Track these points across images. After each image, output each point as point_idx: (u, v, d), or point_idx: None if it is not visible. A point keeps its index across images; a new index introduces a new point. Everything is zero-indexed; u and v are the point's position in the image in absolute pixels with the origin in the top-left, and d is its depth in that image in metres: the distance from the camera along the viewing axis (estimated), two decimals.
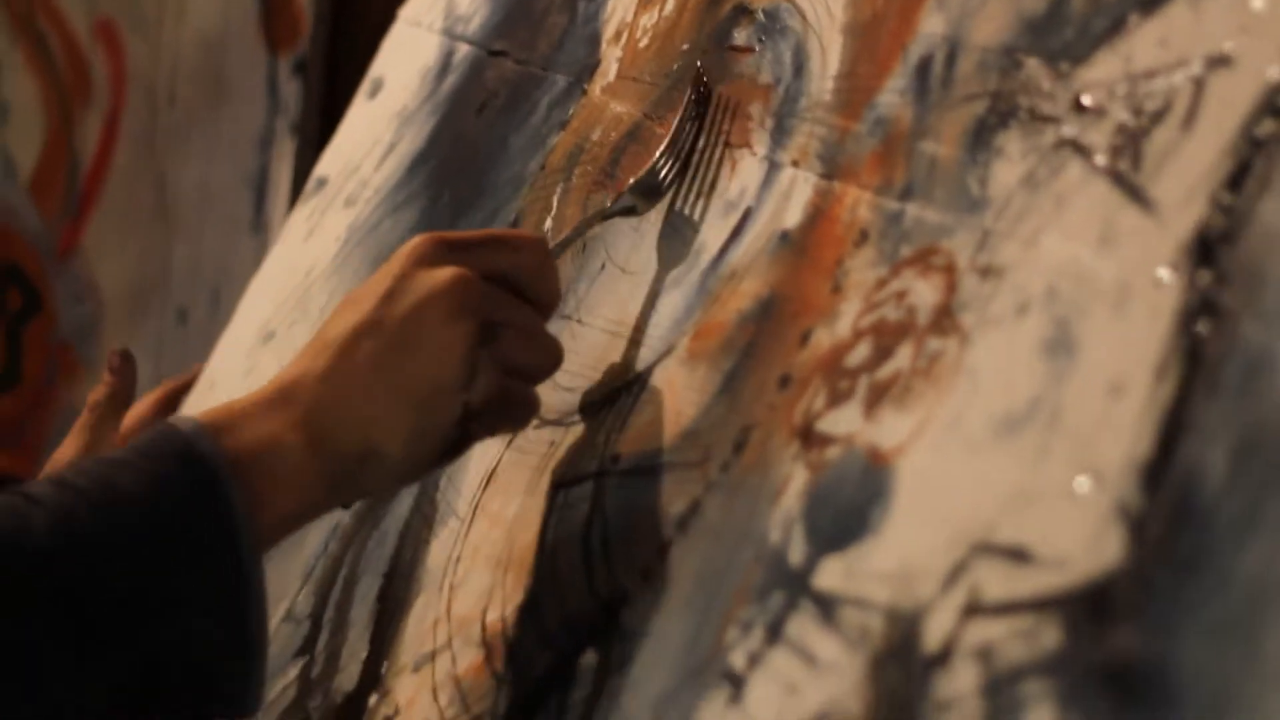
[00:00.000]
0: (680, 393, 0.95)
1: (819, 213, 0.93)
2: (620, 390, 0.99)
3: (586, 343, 1.04)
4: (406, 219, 1.30)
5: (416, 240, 0.93)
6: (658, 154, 1.05)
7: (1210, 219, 0.73)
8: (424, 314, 0.90)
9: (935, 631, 0.73)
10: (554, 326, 0.98)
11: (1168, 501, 0.68)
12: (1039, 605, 0.70)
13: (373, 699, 1.04)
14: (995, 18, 0.88)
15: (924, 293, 0.83)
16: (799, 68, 0.99)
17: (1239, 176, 0.73)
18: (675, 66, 1.09)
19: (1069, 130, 0.81)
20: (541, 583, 0.96)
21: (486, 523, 1.03)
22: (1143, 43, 0.80)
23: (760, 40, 1.03)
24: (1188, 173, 0.75)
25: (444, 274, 0.91)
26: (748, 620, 0.82)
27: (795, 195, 0.95)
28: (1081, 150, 0.80)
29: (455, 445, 0.93)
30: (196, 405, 1.37)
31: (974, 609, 0.72)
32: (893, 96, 0.92)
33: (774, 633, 0.80)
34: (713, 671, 0.82)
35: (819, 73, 0.98)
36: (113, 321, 2.32)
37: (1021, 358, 0.77)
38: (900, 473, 0.79)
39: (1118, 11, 0.82)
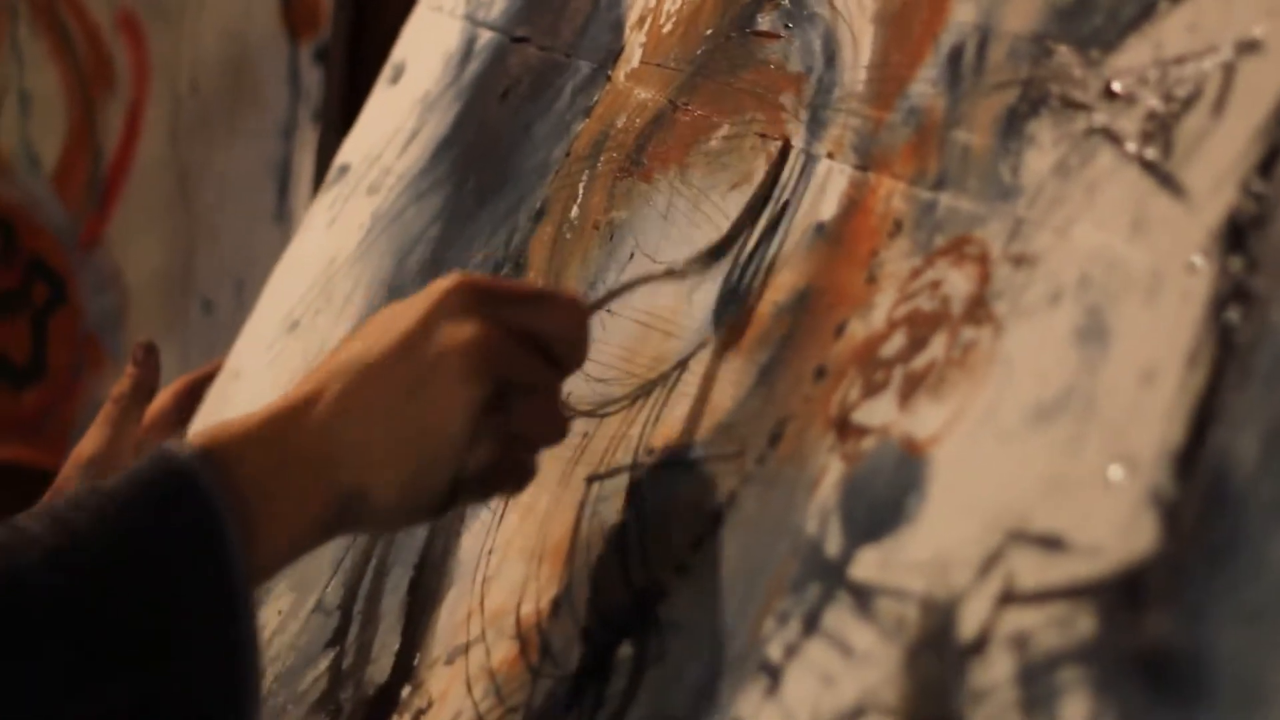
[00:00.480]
0: (716, 385, 0.95)
1: (854, 204, 0.93)
2: (655, 382, 0.99)
3: (618, 333, 1.04)
4: (430, 206, 1.30)
5: (451, 282, 0.91)
6: (726, 231, 1.02)
7: (1241, 205, 0.73)
8: (441, 366, 0.89)
9: (971, 620, 0.73)
10: None
11: (1200, 489, 0.68)
12: (1074, 593, 0.70)
13: (405, 691, 1.04)
14: (1026, 5, 0.88)
15: (958, 282, 0.83)
16: (830, 57, 0.99)
17: (1269, 162, 0.73)
18: (700, 51, 1.09)
19: (1100, 117, 0.81)
20: (576, 575, 0.97)
21: (519, 515, 1.03)
22: (1172, 28, 0.80)
23: (787, 26, 1.03)
24: (1218, 159, 0.75)
25: (470, 330, 0.89)
26: (784, 611, 0.82)
27: (830, 187, 0.95)
28: (1113, 137, 0.80)
29: (448, 503, 0.92)
30: (221, 395, 1.37)
31: (1009, 597, 0.73)
32: (925, 86, 0.91)
33: (810, 624, 0.81)
34: (750, 663, 0.82)
35: (851, 62, 0.98)
36: (137, 312, 2.33)
37: (1054, 346, 0.77)
38: (935, 462, 0.79)
39: None
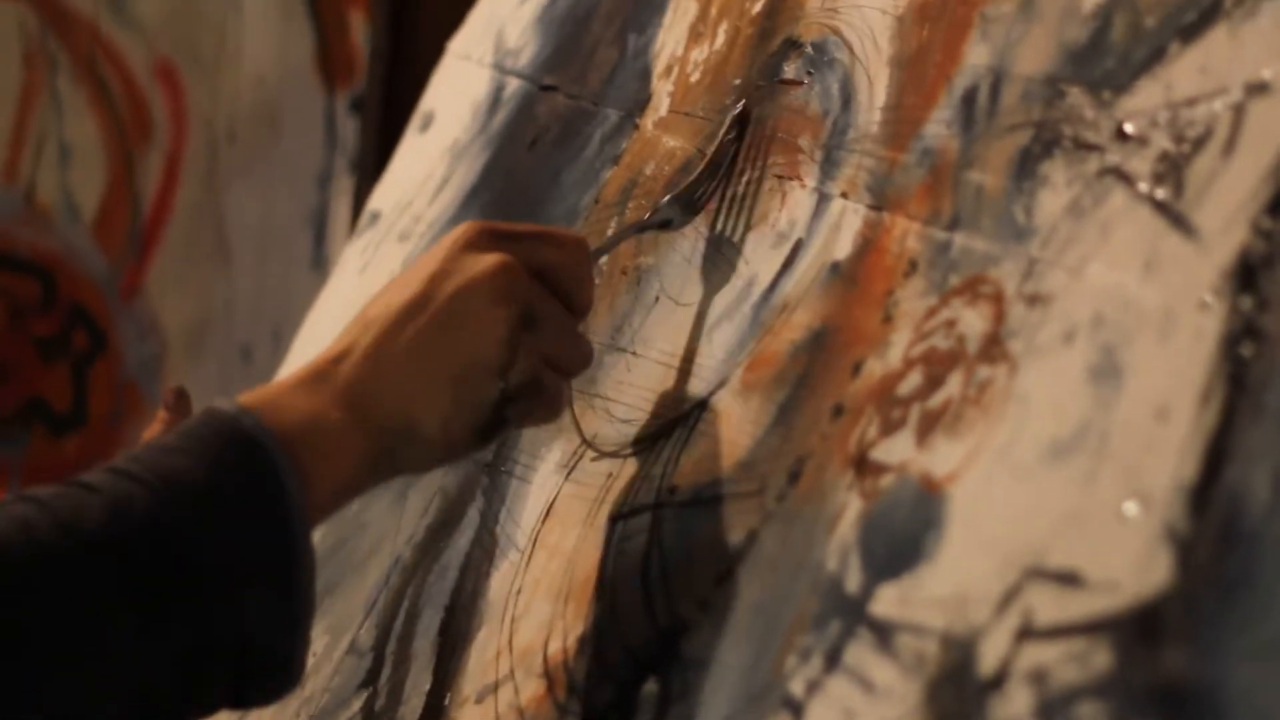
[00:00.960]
0: (735, 424, 0.96)
1: (868, 244, 0.94)
2: (676, 422, 1.00)
3: (642, 374, 1.05)
4: None
5: (464, 226, 0.95)
6: (698, 170, 1.06)
7: (1251, 244, 0.74)
8: (469, 295, 0.92)
9: (990, 656, 0.74)
10: (610, 358, 1.00)
11: (1214, 524, 0.69)
12: (1091, 628, 0.71)
13: None
14: (1038, 48, 0.89)
15: (973, 321, 0.84)
16: (847, 100, 1.01)
17: (1279, 202, 0.74)
18: (728, 101, 1.10)
19: (1112, 158, 0.82)
20: (602, 613, 0.98)
21: (545, 555, 1.04)
22: (1183, 70, 0.81)
23: (809, 73, 1.04)
24: (1229, 199, 0.75)
25: (491, 259, 0.93)
26: (806, 647, 0.83)
27: (845, 226, 0.96)
28: (1125, 178, 0.81)
29: (488, 430, 0.94)
30: None
31: (1027, 633, 0.73)
32: (939, 127, 0.93)
33: (832, 660, 0.81)
34: (773, 698, 0.83)
35: (866, 104, 0.99)
36: (176, 360, 2.35)
37: (1069, 385, 0.77)
38: (953, 500, 0.80)
39: (1158, 40, 0.83)
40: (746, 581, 0.89)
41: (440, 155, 1.41)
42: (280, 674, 0.87)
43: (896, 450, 0.84)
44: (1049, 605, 0.73)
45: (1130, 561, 0.71)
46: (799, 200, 1.00)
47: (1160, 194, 0.79)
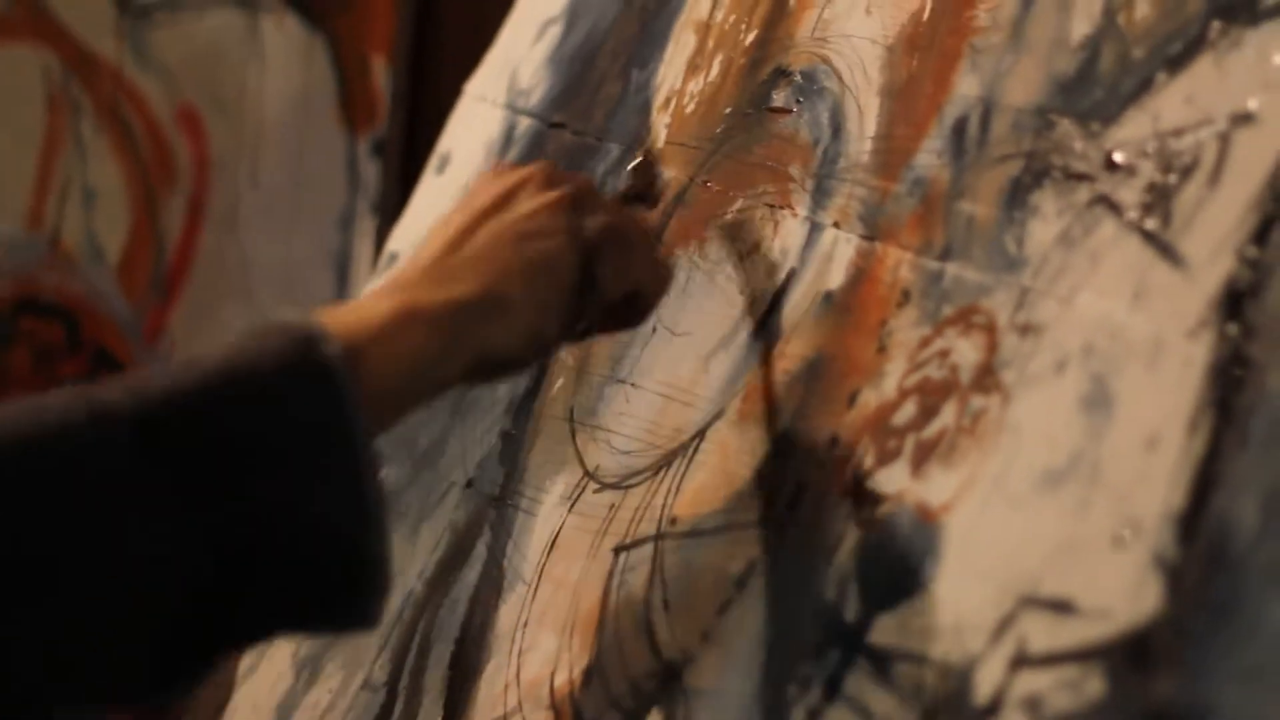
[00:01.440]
0: (733, 454, 0.97)
1: (861, 273, 0.94)
2: (675, 452, 1.01)
3: (642, 405, 1.06)
4: None
5: (533, 165, 0.93)
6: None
7: (1237, 273, 0.74)
8: (542, 215, 0.90)
9: (985, 683, 0.75)
10: (610, 390, 1.00)
11: (1202, 551, 0.70)
12: (1083, 655, 0.72)
13: None
14: (1027, 79, 0.90)
15: (966, 351, 0.85)
16: (837, 129, 1.01)
17: (1264, 231, 0.74)
18: (719, 130, 1.11)
19: (1102, 188, 0.83)
20: (606, 645, 0.98)
21: (551, 587, 1.05)
22: (1170, 101, 0.82)
23: (799, 101, 1.05)
24: (1215, 228, 0.76)
25: (558, 191, 0.92)
26: (806, 677, 0.84)
27: (837, 256, 0.97)
28: (1114, 207, 0.81)
29: (572, 322, 0.91)
30: None
31: (1022, 660, 0.74)
32: (930, 157, 0.93)
33: (832, 689, 0.82)
34: None
35: (857, 134, 1.00)
36: None
37: (1061, 414, 0.78)
38: (948, 529, 0.81)
39: (1146, 71, 0.84)
40: (747, 611, 0.90)
41: (456, 195, 1.42)
42: (357, 580, 0.78)
43: (892, 480, 0.85)
44: (1043, 633, 0.74)
45: (1122, 589, 0.71)
46: (791, 229, 1.01)
47: (1149, 224, 0.79)
